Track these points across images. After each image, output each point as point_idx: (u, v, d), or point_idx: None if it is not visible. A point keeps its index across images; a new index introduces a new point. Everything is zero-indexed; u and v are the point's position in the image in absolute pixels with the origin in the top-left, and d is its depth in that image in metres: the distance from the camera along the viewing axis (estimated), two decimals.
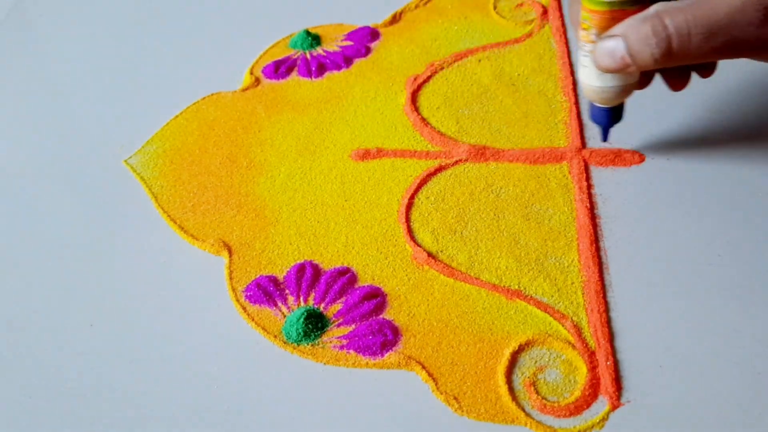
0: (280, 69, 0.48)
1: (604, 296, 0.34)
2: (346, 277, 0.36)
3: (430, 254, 0.36)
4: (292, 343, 0.34)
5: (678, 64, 0.31)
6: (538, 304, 0.34)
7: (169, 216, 0.40)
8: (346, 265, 0.37)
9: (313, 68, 0.47)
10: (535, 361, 0.32)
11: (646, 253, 0.35)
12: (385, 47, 0.49)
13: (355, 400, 0.31)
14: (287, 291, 0.36)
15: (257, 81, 0.47)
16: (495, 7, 0.50)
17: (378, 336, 0.33)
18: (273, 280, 0.36)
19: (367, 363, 0.33)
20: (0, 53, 0.53)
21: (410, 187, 0.40)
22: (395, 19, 0.51)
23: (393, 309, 0.35)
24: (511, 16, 0.50)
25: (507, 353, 0.32)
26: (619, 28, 0.32)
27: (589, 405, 0.30)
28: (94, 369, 0.34)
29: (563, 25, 0.48)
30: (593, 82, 0.34)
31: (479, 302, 0.34)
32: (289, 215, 0.39)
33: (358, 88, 0.46)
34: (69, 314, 0.36)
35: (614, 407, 0.30)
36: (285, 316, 0.35)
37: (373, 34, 0.50)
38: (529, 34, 0.48)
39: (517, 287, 0.35)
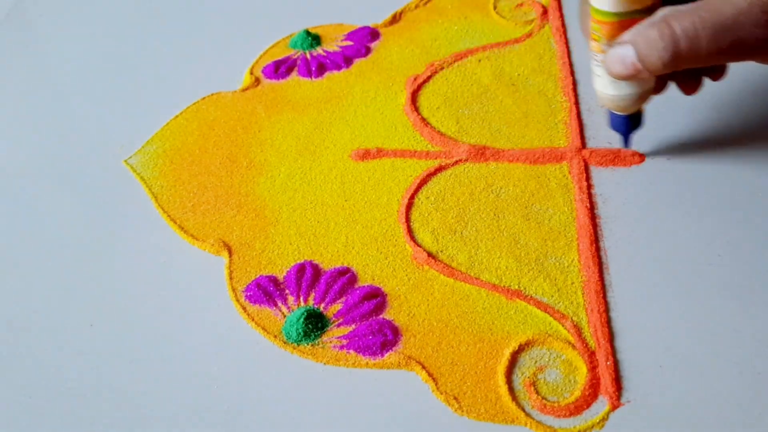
0: (280, 69, 0.48)
1: (604, 296, 0.34)
2: (346, 277, 0.36)
3: (430, 254, 0.36)
4: (292, 343, 0.34)
5: (687, 67, 0.32)
6: (538, 304, 0.34)
7: (169, 216, 0.40)
8: (346, 265, 0.37)
9: (313, 68, 0.47)
10: (535, 361, 0.32)
11: (646, 253, 0.35)
12: (385, 47, 0.49)
13: (355, 400, 0.31)
14: (287, 291, 0.36)
15: (257, 81, 0.47)
16: (495, 7, 0.50)
17: (378, 336, 0.33)
18: (273, 280, 0.36)
19: (367, 363, 0.33)
20: (0, 53, 0.53)
21: (410, 187, 0.40)
22: (395, 19, 0.51)
23: (393, 309, 0.35)
24: (511, 16, 0.50)
25: (507, 353, 0.32)
26: (627, 35, 0.32)
27: (589, 405, 0.30)
28: (94, 369, 0.34)
29: (563, 25, 0.48)
30: (608, 90, 0.35)
31: (479, 302, 0.34)
32: (289, 215, 0.39)
33: (358, 88, 0.46)
34: (69, 314, 0.36)
35: (614, 407, 0.30)
36: (285, 316, 0.35)
37: (373, 34, 0.50)
38: (529, 34, 0.48)
39: (517, 287, 0.35)
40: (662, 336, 0.32)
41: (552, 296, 0.34)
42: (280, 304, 0.35)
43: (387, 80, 0.46)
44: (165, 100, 0.46)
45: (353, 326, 0.34)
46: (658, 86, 0.36)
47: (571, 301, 0.34)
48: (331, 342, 0.33)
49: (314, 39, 0.49)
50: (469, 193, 0.39)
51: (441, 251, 0.37)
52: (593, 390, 0.31)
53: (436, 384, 0.32)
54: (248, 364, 0.33)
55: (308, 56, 0.48)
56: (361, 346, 0.33)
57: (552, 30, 0.48)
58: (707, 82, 0.36)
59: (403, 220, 0.38)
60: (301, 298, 0.35)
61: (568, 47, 0.47)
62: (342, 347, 0.33)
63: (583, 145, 0.41)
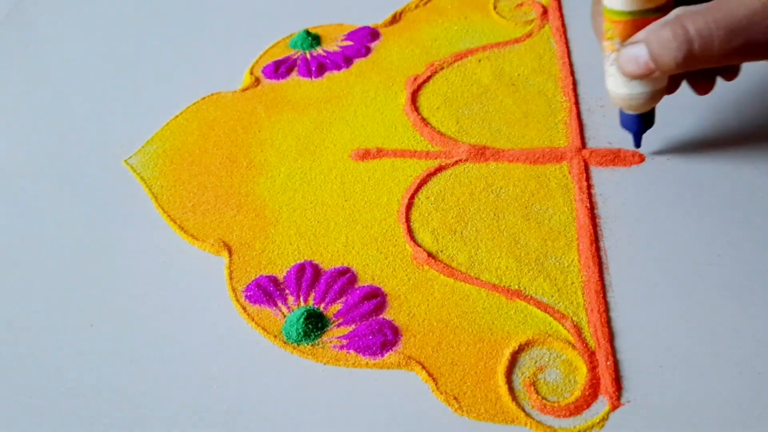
0: (280, 69, 0.48)
1: (604, 296, 0.34)
2: (346, 277, 0.36)
3: (430, 254, 0.36)
4: (292, 343, 0.34)
5: (700, 67, 0.32)
6: (538, 304, 0.34)
7: (169, 216, 0.40)
8: (346, 265, 0.37)
9: (313, 68, 0.47)
10: (535, 361, 0.32)
11: (646, 253, 0.35)
12: (385, 47, 0.49)
13: (355, 400, 0.31)
14: (287, 291, 0.36)
15: (257, 81, 0.47)
16: (495, 7, 0.50)
17: (378, 336, 0.33)
18: (273, 280, 0.36)
19: (367, 363, 0.33)
20: (0, 53, 0.53)
21: (410, 187, 0.40)
22: (395, 19, 0.51)
23: (393, 309, 0.35)
24: (511, 16, 0.50)
25: (507, 353, 0.32)
26: (641, 35, 0.32)
27: (589, 405, 0.30)
28: (94, 369, 0.34)
29: (563, 25, 0.48)
30: (621, 89, 0.35)
31: (479, 302, 0.34)
32: (289, 215, 0.39)
33: (358, 88, 0.46)
34: (69, 314, 0.36)
35: (614, 407, 0.30)
36: (285, 316, 0.35)
37: (373, 34, 0.50)
38: (529, 34, 0.48)
39: (517, 287, 0.35)
40: (662, 336, 0.32)
41: (552, 296, 0.34)
42: (280, 304, 0.35)
43: (387, 80, 0.46)
44: (165, 100, 0.46)
45: (353, 326, 0.34)
46: (671, 86, 0.36)
47: (571, 301, 0.34)
48: (331, 342, 0.33)
49: (314, 39, 0.49)
50: (469, 193, 0.39)
51: (441, 251, 0.37)
52: (593, 390, 0.31)
53: (436, 384, 0.32)
54: (248, 364, 0.33)
55: (308, 56, 0.48)
56: (361, 346, 0.33)
57: (552, 30, 0.48)
58: None
59: (403, 220, 0.38)
60: (301, 298, 0.35)
61: (568, 47, 0.47)
62: (342, 347, 0.33)
63: (583, 145, 0.41)
